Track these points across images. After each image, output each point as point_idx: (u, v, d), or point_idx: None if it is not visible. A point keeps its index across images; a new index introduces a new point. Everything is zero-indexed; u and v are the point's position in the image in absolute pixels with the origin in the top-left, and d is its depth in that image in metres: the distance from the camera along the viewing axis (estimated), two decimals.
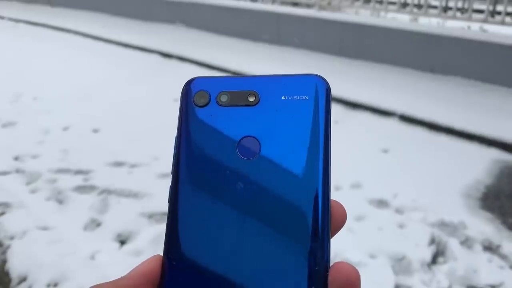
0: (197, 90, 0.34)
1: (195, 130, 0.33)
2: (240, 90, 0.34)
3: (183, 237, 0.30)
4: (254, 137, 0.32)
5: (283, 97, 0.32)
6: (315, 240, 0.29)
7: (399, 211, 2.21)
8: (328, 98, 0.32)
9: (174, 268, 0.30)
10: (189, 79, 0.35)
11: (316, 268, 0.29)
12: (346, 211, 0.31)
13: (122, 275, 0.30)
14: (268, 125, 0.32)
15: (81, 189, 2.42)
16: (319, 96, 0.32)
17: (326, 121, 0.31)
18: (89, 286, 0.29)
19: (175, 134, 0.34)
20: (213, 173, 0.32)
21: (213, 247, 0.30)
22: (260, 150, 0.32)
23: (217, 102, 0.34)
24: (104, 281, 0.30)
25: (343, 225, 0.31)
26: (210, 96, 0.34)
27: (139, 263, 0.31)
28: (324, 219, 0.30)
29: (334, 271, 0.29)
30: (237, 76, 0.36)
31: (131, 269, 0.31)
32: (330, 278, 0.29)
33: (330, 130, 0.32)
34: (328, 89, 0.32)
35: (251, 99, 0.33)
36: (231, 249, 0.30)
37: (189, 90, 0.34)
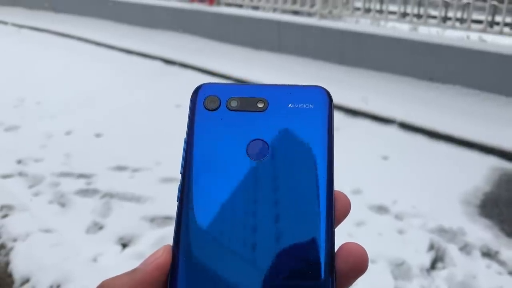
0: (207, 95, 0.36)
1: (205, 132, 0.35)
2: (249, 96, 0.36)
3: (193, 234, 0.32)
4: (263, 140, 0.34)
5: (290, 105, 0.35)
6: (321, 228, 0.32)
7: (398, 217, 2.23)
8: (331, 106, 0.35)
9: (184, 264, 0.31)
10: (198, 85, 0.37)
11: (323, 253, 0.31)
12: (351, 203, 0.34)
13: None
14: (276, 129, 0.34)
15: (83, 192, 2.44)
16: (323, 105, 0.35)
17: (329, 126, 0.34)
18: (105, 279, 0.30)
19: (184, 136, 0.35)
20: (224, 173, 0.34)
21: (223, 242, 0.32)
22: (268, 152, 0.34)
23: (227, 107, 0.36)
24: None
25: (348, 213, 0.33)
26: (220, 100, 0.36)
27: (152, 254, 0.31)
28: (328, 208, 0.32)
29: (343, 252, 0.31)
30: (246, 84, 0.38)
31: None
32: (339, 260, 0.30)
33: (333, 134, 0.35)
34: (330, 98, 0.35)
35: (260, 105, 0.35)
36: (241, 244, 0.32)
37: (199, 95, 0.36)
